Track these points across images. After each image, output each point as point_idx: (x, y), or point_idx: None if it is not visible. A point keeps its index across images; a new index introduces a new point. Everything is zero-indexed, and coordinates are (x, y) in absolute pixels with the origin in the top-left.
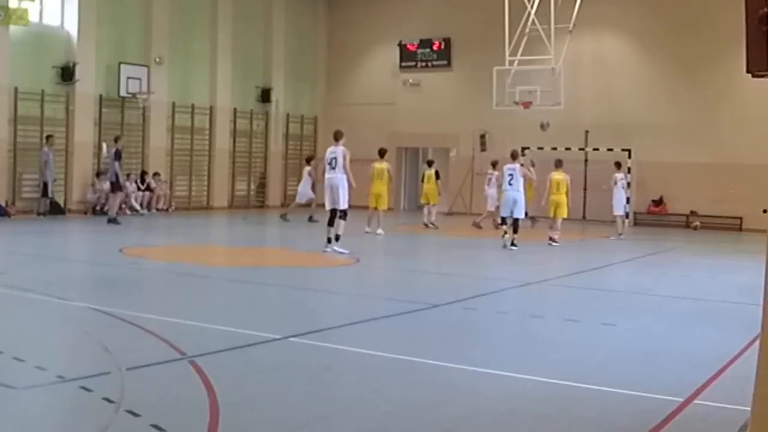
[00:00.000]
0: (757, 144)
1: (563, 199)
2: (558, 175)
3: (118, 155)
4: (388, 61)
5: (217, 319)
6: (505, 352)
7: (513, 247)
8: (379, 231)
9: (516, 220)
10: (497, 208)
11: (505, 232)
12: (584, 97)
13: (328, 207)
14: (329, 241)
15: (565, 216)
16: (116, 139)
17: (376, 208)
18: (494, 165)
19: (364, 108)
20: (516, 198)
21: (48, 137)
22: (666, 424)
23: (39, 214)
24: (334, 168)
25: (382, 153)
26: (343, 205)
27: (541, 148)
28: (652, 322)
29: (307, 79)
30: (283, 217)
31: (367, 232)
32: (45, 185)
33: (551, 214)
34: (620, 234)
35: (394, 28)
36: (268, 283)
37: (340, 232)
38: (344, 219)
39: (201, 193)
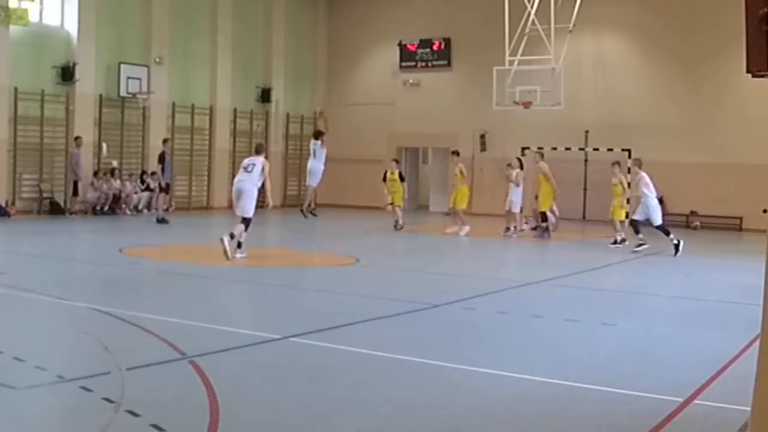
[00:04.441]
0: (757, 144)
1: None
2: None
3: (162, 158)
4: (388, 61)
5: (217, 319)
6: (505, 352)
7: None
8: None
9: None
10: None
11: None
12: (584, 97)
13: (236, 212)
14: (239, 246)
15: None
16: (164, 142)
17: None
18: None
19: (364, 108)
20: None
21: (76, 138)
22: (666, 424)
23: (71, 213)
24: (249, 172)
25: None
26: (248, 214)
27: (541, 148)
28: (652, 322)
29: (307, 79)
30: (311, 212)
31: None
32: (75, 184)
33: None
34: (516, 229)
35: (394, 28)
36: (268, 283)
37: (242, 240)
38: (246, 228)
39: (201, 193)
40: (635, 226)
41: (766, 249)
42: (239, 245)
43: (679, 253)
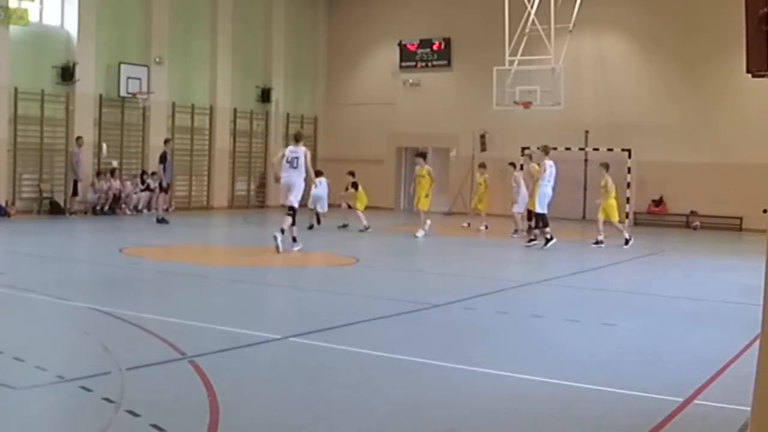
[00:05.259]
0: (757, 144)
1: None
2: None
3: (164, 158)
4: (388, 61)
5: (217, 319)
6: (505, 352)
7: None
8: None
9: None
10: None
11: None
12: (584, 97)
13: (284, 203)
14: (294, 240)
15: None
16: (165, 142)
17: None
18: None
19: (364, 108)
20: None
21: (78, 138)
22: (666, 424)
23: (71, 213)
24: (295, 167)
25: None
26: (294, 203)
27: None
28: (652, 322)
29: (307, 79)
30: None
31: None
32: (75, 184)
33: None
34: (515, 232)
35: (394, 28)
36: (268, 283)
37: (285, 227)
38: (292, 217)
39: (201, 193)
40: (543, 219)
41: (766, 249)
42: (294, 239)
43: (545, 246)
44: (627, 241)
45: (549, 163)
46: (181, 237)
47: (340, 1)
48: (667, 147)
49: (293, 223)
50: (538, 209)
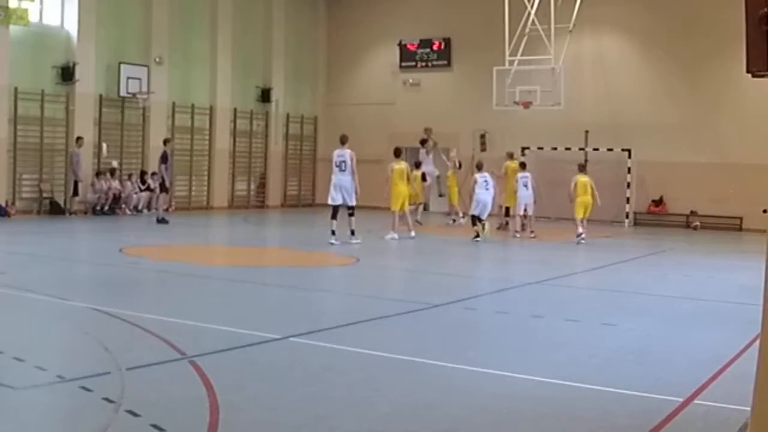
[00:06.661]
0: (757, 144)
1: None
2: (584, 178)
3: (164, 158)
4: (388, 61)
5: (217, 319)
6: (505, 352)
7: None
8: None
9: None
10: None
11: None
12: (584, 97)
13: (336, 203)
14: (333, 233)
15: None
16: (165, 142)
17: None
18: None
19: (364, 108)
20: None
21: (78, 138)
22: (666, 424)
23: (71, 213)
24: (344, 170)
25: (397, 153)
26: (352, 202)
27: (541, 148)
28: (652, 322)
29: (307, 79)
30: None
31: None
32: (75, 184)
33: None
34: (516, 232)
35: (394, 28)
36: (268, 283)
37: (353, 227)
38: (353, 215)
39: (201, 193)
40: (474, 219)
41: (766, 249)
42: (352, 232)
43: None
44: (579, 235)
45: (477, 176)
46: (181, 237)
47: (340, 1)
48: (667, 147)
49: (352, 215)
50: (471, 211)
